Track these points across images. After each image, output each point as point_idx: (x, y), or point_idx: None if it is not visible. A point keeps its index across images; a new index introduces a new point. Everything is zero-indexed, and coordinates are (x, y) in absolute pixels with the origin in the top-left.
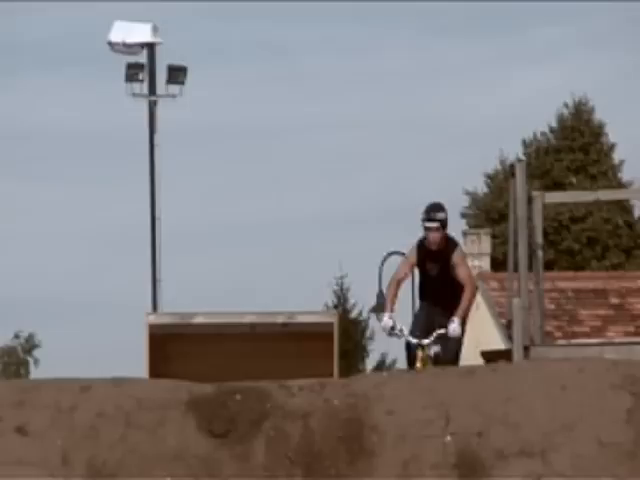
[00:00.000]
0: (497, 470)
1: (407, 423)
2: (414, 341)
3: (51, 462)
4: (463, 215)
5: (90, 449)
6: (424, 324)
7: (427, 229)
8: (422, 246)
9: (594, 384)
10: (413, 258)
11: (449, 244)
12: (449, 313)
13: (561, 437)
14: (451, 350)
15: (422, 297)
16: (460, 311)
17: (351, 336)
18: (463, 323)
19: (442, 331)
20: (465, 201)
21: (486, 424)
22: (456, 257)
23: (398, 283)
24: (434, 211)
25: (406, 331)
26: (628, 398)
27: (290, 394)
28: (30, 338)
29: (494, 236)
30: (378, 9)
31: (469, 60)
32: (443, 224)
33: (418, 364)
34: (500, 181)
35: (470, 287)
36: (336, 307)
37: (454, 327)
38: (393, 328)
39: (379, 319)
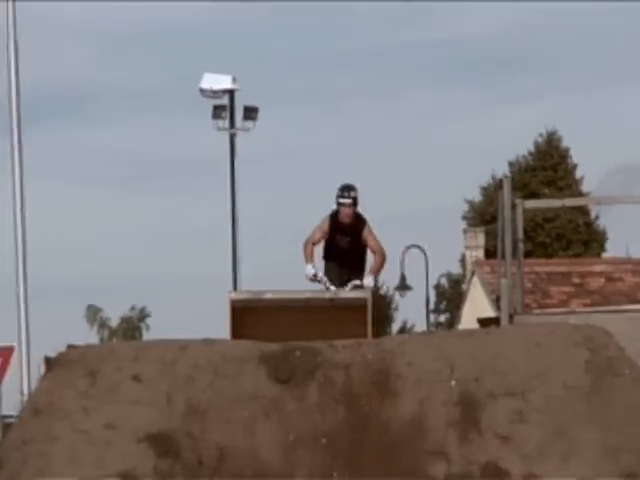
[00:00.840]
0: (489, 406)
1: (422, 371)
2: (332, 288)
3: (158, 402)
4: (464, 217)
5: (187, 392)
6: (338, 277)
7: (341, 204)
8: (334, 219)
9: (561, 342)
10: (326, 227)
11: (358, 220)
12: (356, 275)
13: (536, 382)
14: None
15: (328, 261)
16: (374, 270)
17: (381, 308)
18: (375, 281)
19: (357, 282)
20: (465, 207)
21: (481, 372)
22: (366, 232)
23: (313, 244)
24: (348, 190)
25: (326, 279)
26: (586, 352)
27: (336, 351)
28: (143, 310)
29: (487, 233)
30: (400, 67)
31: (470, 102)
32: (355, 201)
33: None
34: (491, 192)
35: (380, 253)
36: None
37: (369, 280)
38: (315, 275)
39: (308, 275)
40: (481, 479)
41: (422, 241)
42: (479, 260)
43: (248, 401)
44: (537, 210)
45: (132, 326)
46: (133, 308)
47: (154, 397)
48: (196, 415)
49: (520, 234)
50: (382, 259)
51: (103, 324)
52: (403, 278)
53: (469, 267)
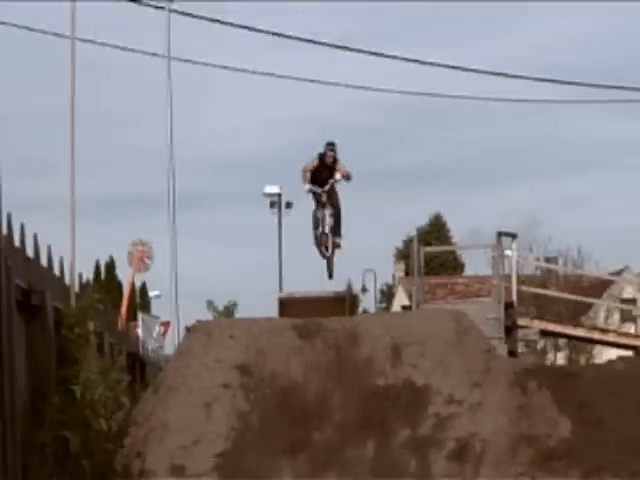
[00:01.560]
0: (405, 350)
1: (374, 333)
2: (319, 190)
3: (242, 348)
4: (394, 255)
5: (256, 344)
6: (321, 186)
7: (327, 155)
8: (321, 158)
9: (442, 317)
10: (316, 163)
11: (335, 161)
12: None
13: (429, 338)
14: (338, 199)
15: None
16: (344, 176)
17: (353, 300)
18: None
19: (332, 180)
20: (394, 251)
21: (402, 332)
22: (339, 165)
23: (306, 172)
24: (331, 144)
25: (316, 188)
26: (454, 323)
27: (331, 322)
28: (235, 303)
29: (405, 263)
30: (369, 182)
31: (395, 201)
32: (335, 152)
33: (324, 199)
34: (408, 243)
35: (348, 171)
36: (347, 289)
37: (339, 177)
38: (310, 189)
39: (306, 189)
40: (402, 388)
41: (374, 267)
42: (402, 277)
43: (287, 348)
44: (431, 252)
45: (229, 311)
46: (230, 301)
47: (239, 346)
48: (260, 354)
49: (422, 264)
50: (348, 173)
51: (215, 309)
52: (364, 286)
53: (397, 280)
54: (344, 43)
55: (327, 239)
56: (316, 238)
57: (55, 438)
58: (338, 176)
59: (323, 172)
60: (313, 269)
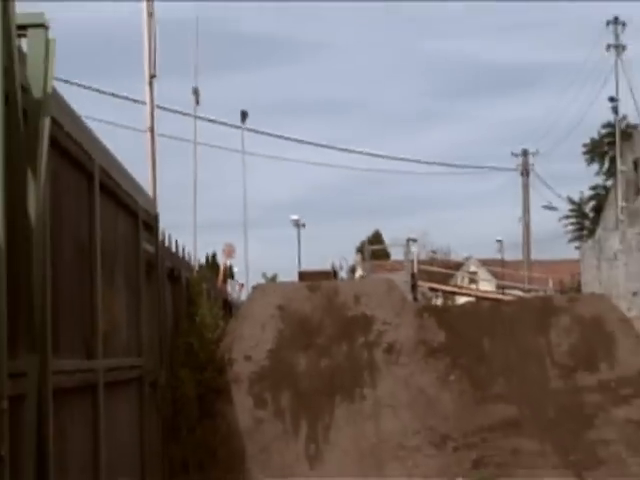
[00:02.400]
0: (362, 297)
1: (345, 291)
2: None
3: (279, 297)
4: (355, 251)
5: (288, 295)
6: None
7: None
8: None
9: (382, 282)
10: None
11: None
12: None
13: (374, 291)
14: None
15: None
16: None
17: (335, 274)
18: None
19: None
20: (355, 248)
21: (360, 289)
22: None
23: None
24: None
25: None
26: (386, 284)
27: (326, 284)
28: (277, 274)
29: (361, 254)
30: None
31: (358, 224)
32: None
33: None
34: (362, 244)
35: None
36: (332, 268)
37: None
38: None
39: None
40: (360, 317)
41: (346, 255)
42: (359, 261)
43: (303, 297)
44: (373, 249)
45: (274, 279)
46: (273, 274)
47: (279, 296)
48: (289, 300)
49: (369, 255)
50: None
51: (266, 278)
52: (341, 265)
53: (357, 263)
54: (331, 144)
55: None
56: None
57: (185, 342)
58: None
59: None
60: (316, 260)
